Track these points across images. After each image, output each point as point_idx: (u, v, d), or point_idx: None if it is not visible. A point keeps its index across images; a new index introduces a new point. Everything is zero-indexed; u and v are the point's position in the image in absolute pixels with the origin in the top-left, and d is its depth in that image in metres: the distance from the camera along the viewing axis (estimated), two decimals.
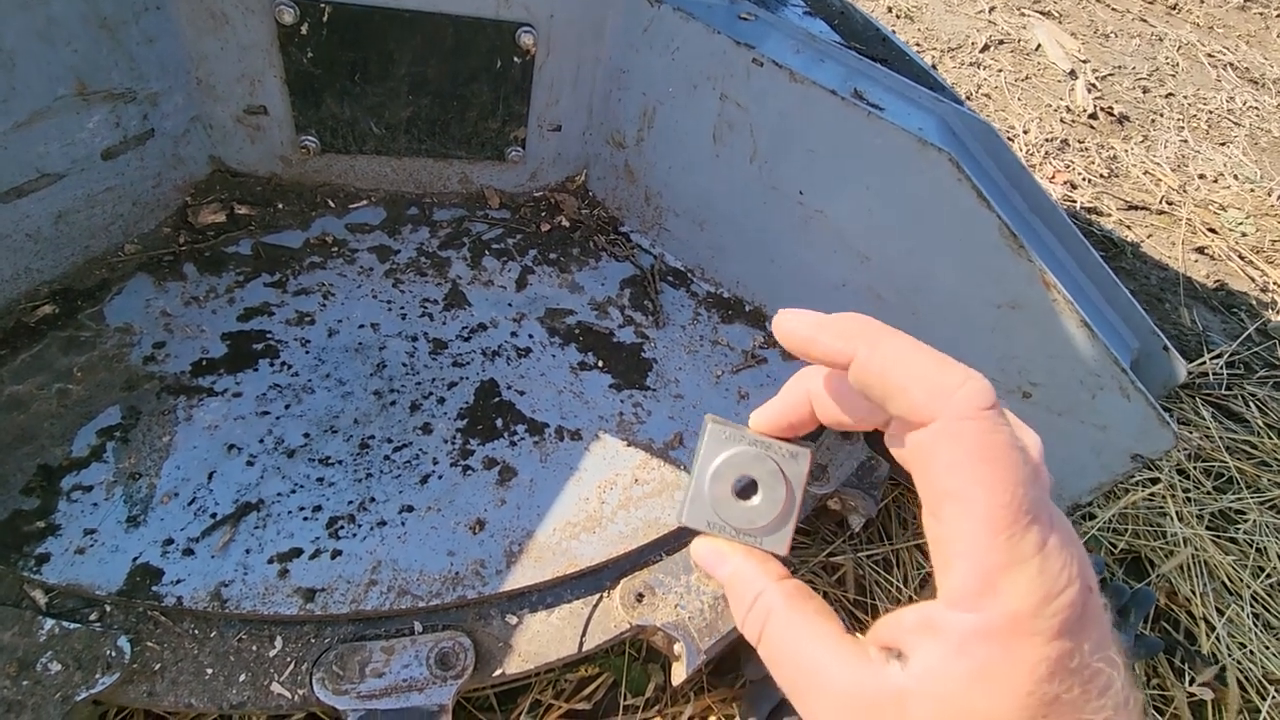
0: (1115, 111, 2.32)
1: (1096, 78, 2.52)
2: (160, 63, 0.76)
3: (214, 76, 0.81)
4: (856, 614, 0.90)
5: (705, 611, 0.70)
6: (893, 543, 0.98)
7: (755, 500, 0.33)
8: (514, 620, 0.67)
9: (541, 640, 0.67)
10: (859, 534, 0.96)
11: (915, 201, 0.78)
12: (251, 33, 0.78)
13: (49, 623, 0.57)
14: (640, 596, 0.70)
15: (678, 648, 0.68)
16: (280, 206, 0.90)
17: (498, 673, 0.63)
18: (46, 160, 0.70)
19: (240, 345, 0.77)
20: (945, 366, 0.26)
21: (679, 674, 0.68)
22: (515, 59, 0.88)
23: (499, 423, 0.78)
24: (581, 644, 0.67)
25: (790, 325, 0.30)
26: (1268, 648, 0.97)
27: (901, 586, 0.93)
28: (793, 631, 0.28)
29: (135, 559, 0.61)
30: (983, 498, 0.24)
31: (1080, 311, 0.72)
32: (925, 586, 0.94)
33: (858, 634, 0.28)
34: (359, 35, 0.81)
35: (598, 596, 0.70)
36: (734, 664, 0.80)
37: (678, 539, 0.75)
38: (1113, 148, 2.14)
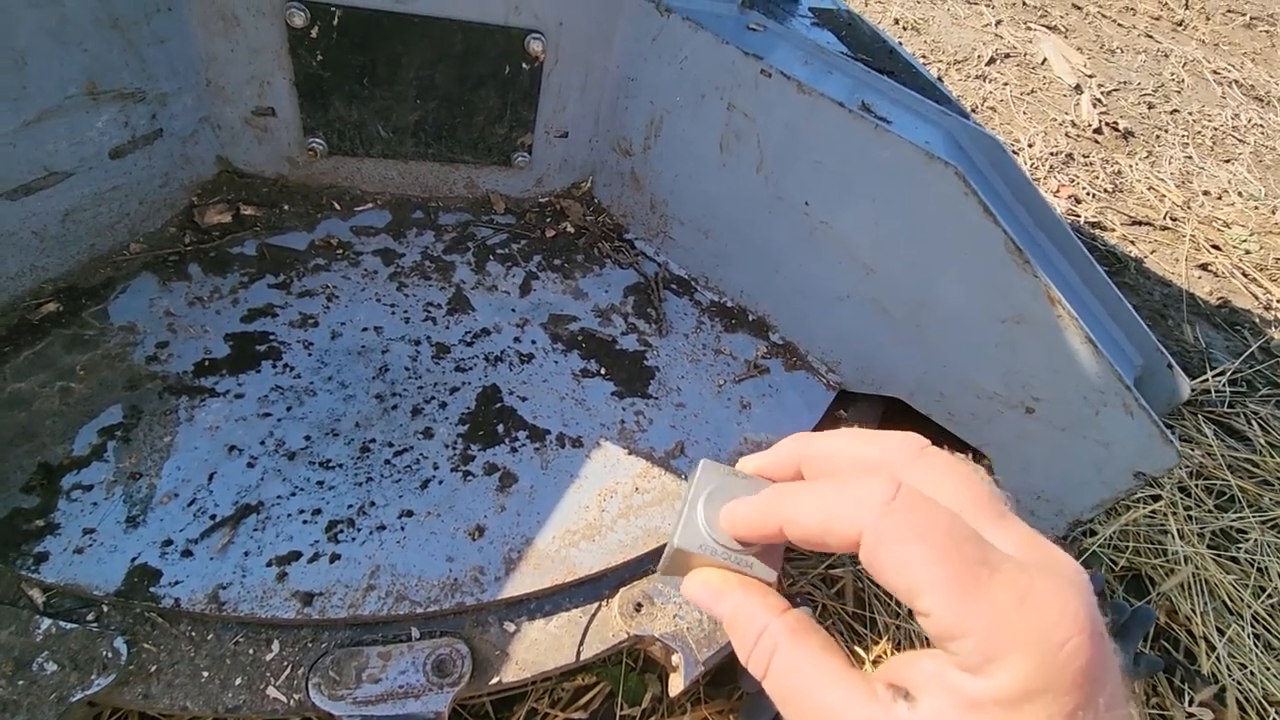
0: (1120, 127, 2.33)
1: (1102, 92, 2.53)
2: (170, 63, 0.76)
3: (223, 78, 0.81)
4: (855, 626, 0.90)
5: (703, 622, 0.70)
6: None
7: None
8: (512, 628, 0.67)
9: (539, 648, 0.66)
10: None
11: (921, 215, 0.78)
12: (262, 35, 0.79)
13: (46, 622, 0.56)
14: (639, 606, 0.70)
15: (675, 658, 0.68)
16: (286, 208, 0.91)
17: (495, 680, 0.63)
18: (55, 159, 0.70)
19: (243, 346, 0.77)
20: (838, 494, 0.27)
21: (676, 685, 0.68)
22: (524, 65, 0.88)
23: (500, 428, 0.78)
24: (579, 653, 0.67)
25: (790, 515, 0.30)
26: (1268, 668, 0.97)
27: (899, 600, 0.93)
28: (799, 668, 0.28)
29: (134, 559, 0.60)
30: (940, 580, 0.24)
31: (1085, 328, 0.72)
32: None
33: (864, 668, 0.28)
34: (369, 39, 0.81)
35: (596, 605, 0.70)
36: (731, 675, 0.80)
37: None
38: (1117, 163, 2.15)
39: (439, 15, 0.82)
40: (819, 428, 0.90)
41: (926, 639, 0.26)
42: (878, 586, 0.94)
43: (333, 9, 0.78)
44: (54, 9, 0.65)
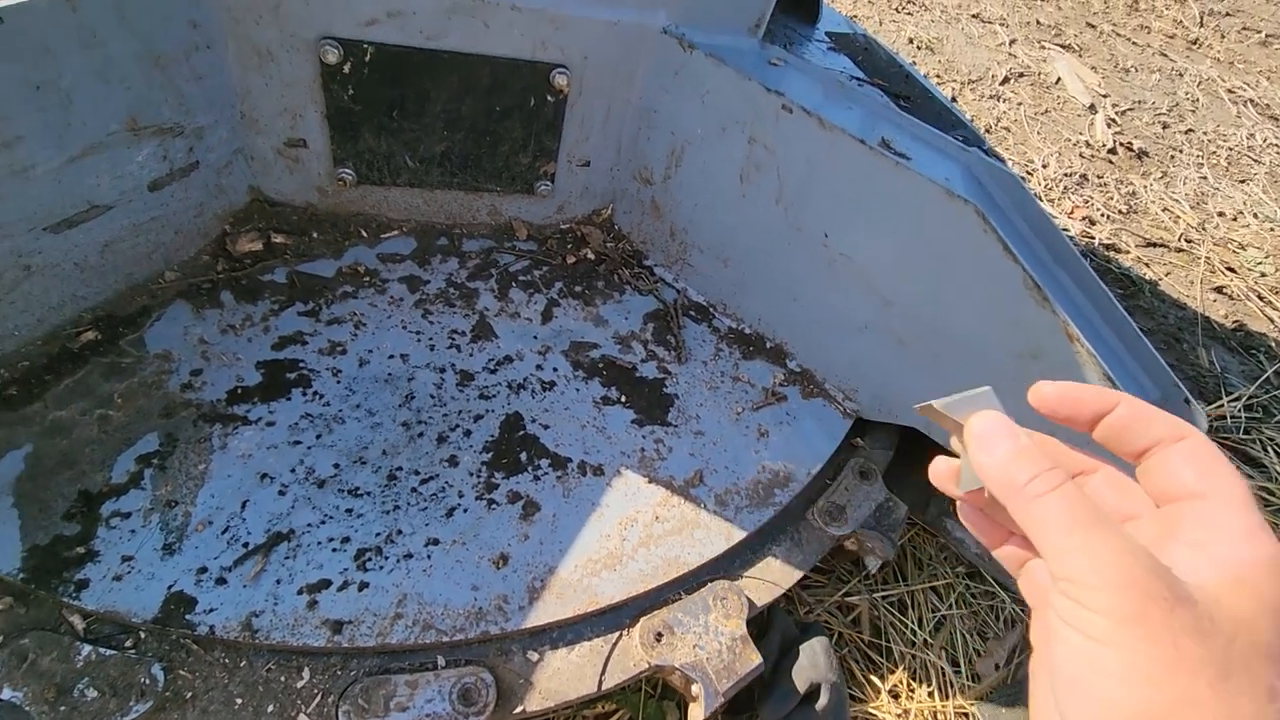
0: (1134, 147, 2.33)
1: (1116, 112, 2.53)
2: (207, 98, 0.79)
3: (257, 111, 0.83)
4: (871, 655, 0.90)
5: (723, 653, 0.71)
6: (908, 584, 0.98)
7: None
8: (535, 657, 0.68)
9: (562, 677, 0.67)
10: (875, 575, 0.96)
11: (940, 250, 0.79)
12: (295, 70, 0.81)
13: (86, 649, 0.58)
14: (659, 636, 0.71)
15: (695, 688, 0.69)
16: (315, 235, 0.93)
17: (519, 710, 0.64)
18: (97, 192, 0.73)
19: (274, 374, 0.79)
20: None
21: (696, 715, 0.69)
22: (549, 98, 0.90)
23: (523, 456, 0.79)
24: (601, 682, 0.68)
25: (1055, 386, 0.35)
26: None
27: (916, 629, 0.93)
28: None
29: (170, 587, 0.62)
30: (1236, 490, 0.29)
31: (1103, 363, 0.73)
32: (940, 629, 0.94)
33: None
34: (399, 74, 0.83)
35: (617, 635, 0.71)
36: (748, 702, 0.80)
37: (696, 578, 0.76)
38: (1132, 183, 2.15)
39: (468, 51, 0.84)
40: (835, 456, 0.91)
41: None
42: (894, 615, 0.94)
43: (365, 45, 0.80)
44: (99, 50, 0.67)
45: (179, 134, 0.77)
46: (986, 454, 0.33)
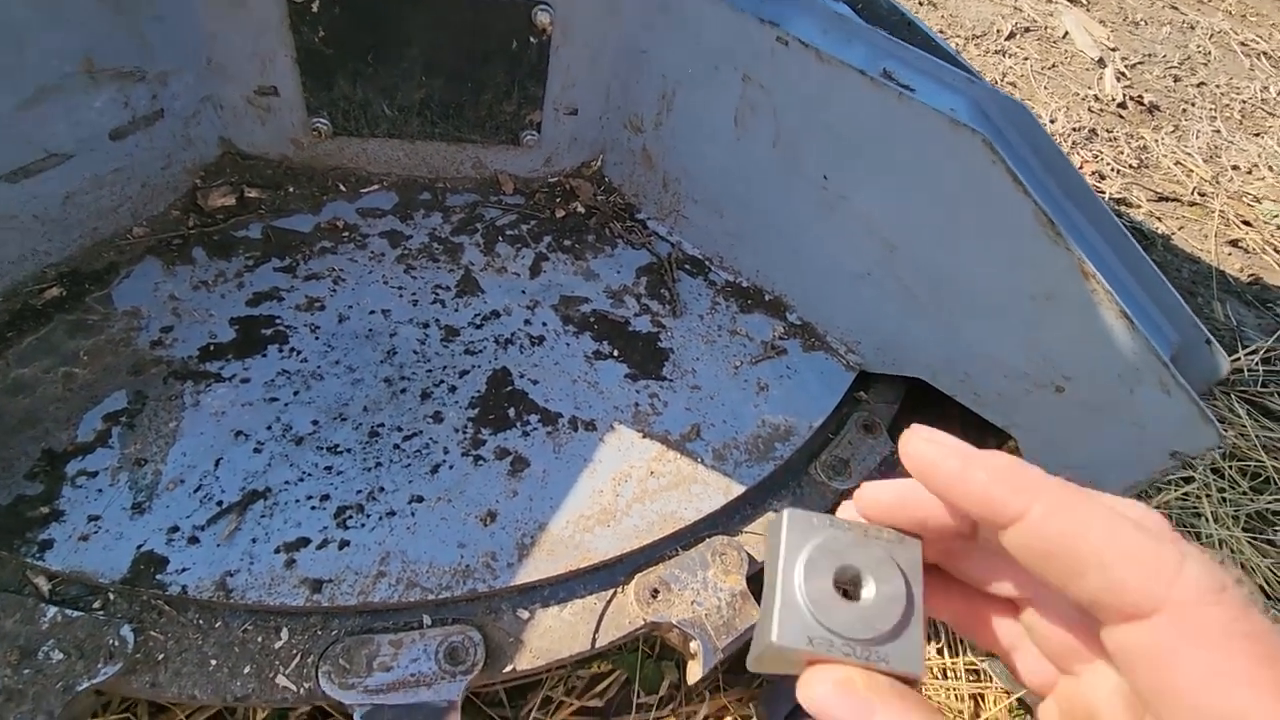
0: (1145, 101, 2.26)
1: (1126, 66, 2.46)
2: (169, 41, 0.74)
3: (224, 56, 0.79)
4: None
5: (722, 609, 0.68)
6: None
7: (867, 597, 0.25)
8: (525, 615, 0.65)
9: (553, 636, 0.65)
10: None
11: (946, 186, 0.75)
12: (263, 10, 0.76)
13: (51, 610, 0.55)
14: (655, 592, 0.68)
15: (693, 645, 0.66)
16: (291, 190, 0.89)
17: (508, 669, 0.62)
18: (53, 140, 0.69)
19: (249, 330, 0.76)
20: (1155, 537, 0.21)
21: (694, 672, 0.66)
22: (531, 39, 0.86)
23: (511, 412, 0.76)
24: (594, 640, 0.65)
25: (926, 454, 0.24)
26: None
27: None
28: None
29: (140, 546, 0.59)
30: (1266, 711, 0.18)
31: (1120, 303, 0.69)
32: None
33: None
34: (372, 14, 0.79)
35: (611, 591, 0.68)
36: None
37: (693, 534, 0.73)
38: (1142, 137, 2.08)
39: None
40: (839, 409, 0.87)
41: None
42: None
43: None
44: None
45: (140, 79, 0.73)
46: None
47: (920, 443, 0.24)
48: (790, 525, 0.26)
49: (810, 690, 0.23)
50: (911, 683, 0.24)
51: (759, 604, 0.69)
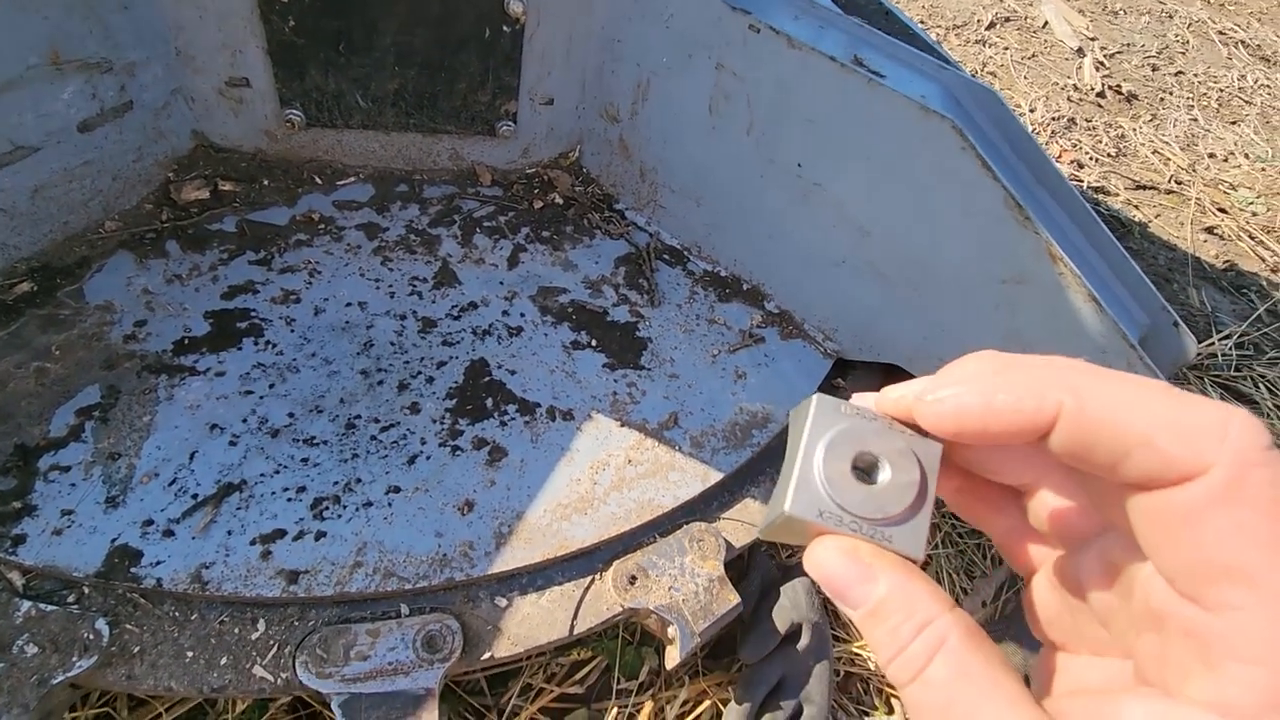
0: (1124, 90, 2.28)
1: (1105, 55, 2.47)
2: (136, 31, 0.74)
3: (193, 46, 0.78)
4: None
5: (699, 594, 0.68)
6: None
7: (882, 481, 0.25)
8: (503, 602, 0.66)
9: (532, 623, 0.65)
10: None
11: (917, 172, 0.75)
12: (230, 1, 0.76)
13: (25, 604, 0.55)
14: (633, 579, 0.69)
15: (671, 631, 0.67)
16: (265, 183, 0.88)
17: (486, 656, 0.62)
18: (20, 132, 0.68)
19: (223, 324, 0.75)
20: (1192, 401, 0.20)
21: (673, 657, 0.67)
22: (505, 28, 0.86)
23: (489, 402, 0.76)
24: (573, 627, 0.66)
25: (951, 402, 0.23)
26: None
27: None
28: (968, 680, 0.22)
29: (114, 540, 0.59)
30: (1266, 570, 0.18)
31: (1088, 285, 0.70)
32: (925, 569, 0.93)
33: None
34: (343, 2, 0.78)
35: (589, 579, 0.69)
36: (730, 647, 0.79)
37: (671, 521, 0.74)
38: (1121, 126, 2.10)
39: None
40: None
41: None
42: None
43: None
44: None
45: (107, 70, 0.73)
46: (857, 592, 0.24)
47: (937, 399, 0.24)
48: (818, 409, 0.26)
49: (816, 555, 0.24)
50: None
51: (736, 589, 0.70)
